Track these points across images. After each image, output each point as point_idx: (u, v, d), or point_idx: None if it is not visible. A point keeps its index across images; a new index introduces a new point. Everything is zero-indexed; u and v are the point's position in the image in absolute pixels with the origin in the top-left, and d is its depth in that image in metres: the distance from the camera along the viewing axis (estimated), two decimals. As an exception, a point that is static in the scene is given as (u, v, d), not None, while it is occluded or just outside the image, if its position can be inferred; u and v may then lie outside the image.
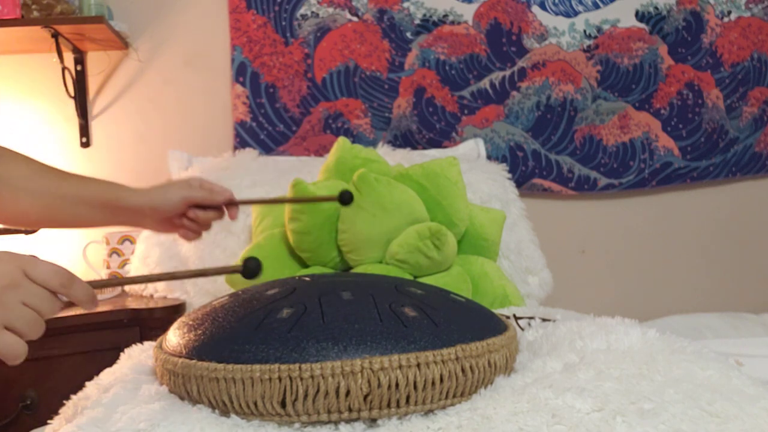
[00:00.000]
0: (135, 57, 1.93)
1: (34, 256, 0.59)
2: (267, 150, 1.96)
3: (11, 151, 0.94)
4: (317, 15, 1.98)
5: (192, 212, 0.99)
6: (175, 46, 1.96)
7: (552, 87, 2.09)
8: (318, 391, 0.62)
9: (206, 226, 1.03)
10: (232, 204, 1.03)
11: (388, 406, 0.63)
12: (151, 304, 1.52)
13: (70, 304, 0.62)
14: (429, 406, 0.64)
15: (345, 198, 1.03)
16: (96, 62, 1.91)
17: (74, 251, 1.79)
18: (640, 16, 2.13)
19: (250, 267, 0.68)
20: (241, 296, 0.78)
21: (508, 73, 2.07)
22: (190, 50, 1.96)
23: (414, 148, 1.97)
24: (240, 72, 1.95)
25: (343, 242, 1.35)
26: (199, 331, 0.71)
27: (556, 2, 2.09)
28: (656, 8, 2.14)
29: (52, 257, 1.76)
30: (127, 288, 1.69)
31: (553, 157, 2.10)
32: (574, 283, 2.07)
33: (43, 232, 1.69)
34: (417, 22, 2.02)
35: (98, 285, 0.65)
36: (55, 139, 1.89)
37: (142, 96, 1.94)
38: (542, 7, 2.08)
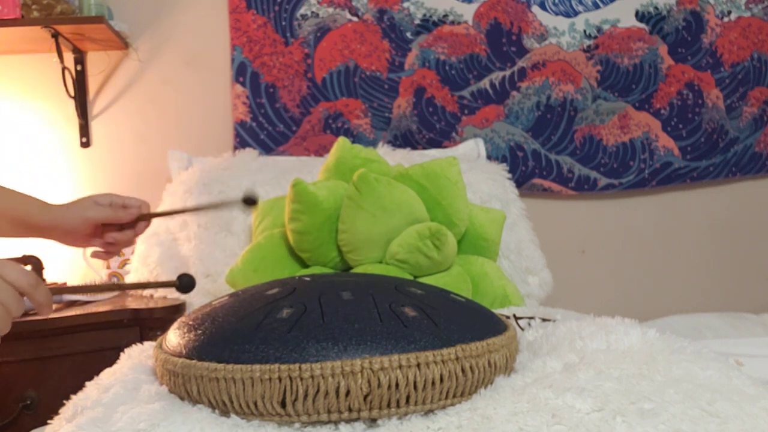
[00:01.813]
0: (135, 57, 1.93)
1: (5, 260, 0.62)
2: (267, 150, 1.96)
3: None
4: (317, 15, 1.98)
5: (106, 233, 0.96)
6: (175, 46, 1.96)
7: (552, 87, 2.09)
8: (318, 391, 0.62)
9: (121, 245, 0.99)
10: (141, 219, 0.98)
11: (388, 406, 0.63)
12: (151, 304, 1.52)
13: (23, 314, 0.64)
14: (429, 406, 0.64)
15: (249, 200, 0.96)
16: (96, 62, 1.91)
17: (75, 251, 1.79)
18: (640, 16, 2.13)
19: (185, 282, 0.72)
20: (241, 296, 0.78)
21: (508, 73, 2.07)
22: (190, 50, 1.96)
23: (414, 148, 1.97)
24: (240, 72, 1.95)
25: (343, 242, 1.35)
26: (199, 331, 0.71)
27: (556, 2, 2.09)
28: (656, 8, 2.14)
29: (53, 257, 1.76)
30: (127, 288, 1.69)
31: (553, 157, 2.10)
32: (574, 283, 2.07)
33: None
34: (417, 22, 2.02)
35: (56, 291, 0.69)
36: (55, 139, 1.89)
37: (142, 96, 1.94)
38: (542, 7, 2.08)
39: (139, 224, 0.98)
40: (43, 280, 0.69)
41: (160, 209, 1.72)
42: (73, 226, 0.94)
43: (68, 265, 1.84)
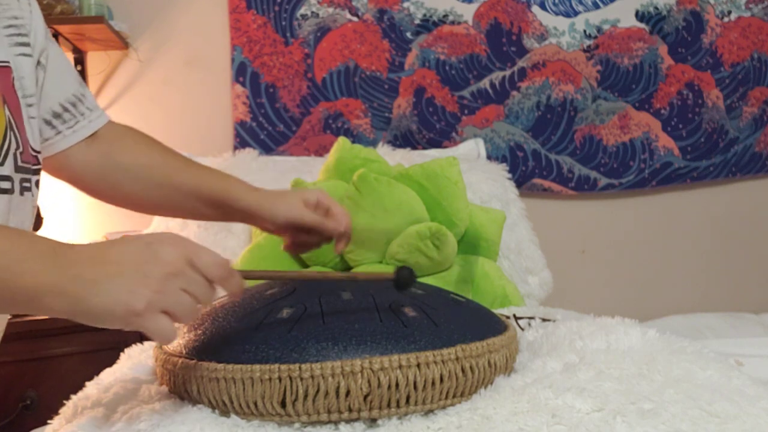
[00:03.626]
0: (135, 57, 1.93)
1: (199, 246, 0.60)
2: (267, 150, 1.96)
3: (136, 134, 0.94)
4: (317, 15, 1.98)
5: (295, 233, 0.91)
6: (175, 46, 1.96)
7: (552, 87, 2.09)
8: (318, 391, 0.62)
9: (306, 247, 0.94)
10: (343, 237, 0.91)
11: (388, 406, 0.63)
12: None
13: None
14: (429, 406, 0.64)
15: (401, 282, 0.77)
16: (96, 62, 1.91)
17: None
18: (640, 16, 2.14)
19: (403, 277, 0.67)
20: (241, 296, 0.78)
21: (508, 73, 2.07)
22: (190, 50, 1.96)
23: (414, 148, 1.97)
24: (240, 72, 1.95)
25: (343, 242, 1.35)
26: (199, 331, 0.71)
27: (556, 2, 2.09)
28: (656, 8, 2.14)
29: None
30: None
31: (553, 157, 2.10)
32: (574, 283, 2.07)
33: (51, 229, 1.69)
34: (417, 22, 2.02)
35: (251, 277, 0.66)
36: (55, 139, 1.89)
37: (142, 96, 1.94)
38: (542, 7, 2.08)
39: (341, 241, 0.92)
40: None
41: None
42: (274, 221, 0.89)
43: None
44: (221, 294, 0.64)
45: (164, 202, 0.93)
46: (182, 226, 1.64)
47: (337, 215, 0.90)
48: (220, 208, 0.91)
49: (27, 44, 0.79)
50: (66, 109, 0.87)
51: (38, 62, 0.82)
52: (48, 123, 0.85)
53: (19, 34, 0.79)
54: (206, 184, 0.91)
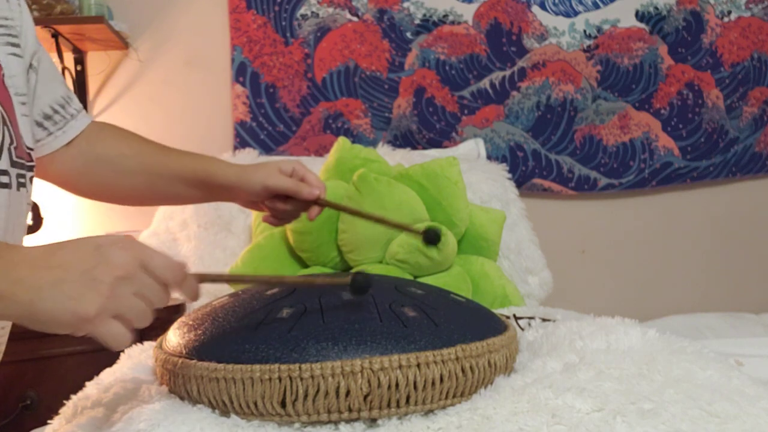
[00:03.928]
0: (135, 57, 1.93)
1: (151, 249, 0.59)
2: (267, 150, 1.96)
3: (113, 127, 0.95)
4: (317, 15, 1.98)
5: (271, 201, 0.93)
6: (175, 46, 1.96)
7: (552, 87, 2.09)
8: (318, 391, 0.62)
9: (285, 217, 0.96)
10: (317, 204, 0.92)
11: (388, 406, 0.63)
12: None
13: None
14: (429, 406, 0.64)
15: (430, 237, 0.89)
16: (96, 62, 1.91)
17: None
18: (640, 16, 2.13)
19: (358, 282, 0.68)
20: (241, 296, 0.78)
21: (508, 73, 2.07)
22: (190, 50, 1.96)
23: (414, 148, 1.97)
24: (240, 72, 1.95)
25: (343, 242, 1.35)
26: (199, 331, 0.71)
27: (556, 2, 2.09)
28: (656, 8, 2.14)
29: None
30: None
31: (553, 157, 2.10)
32: (574, 283, 2.07)
33: (51, 230, 1.69)
34: (417, 22, 2.02)
35: (206, 280, 0.65)
36: (55, 139, 1.89)
37: (142, 96, 1.94)
38: (542, 7, 2.08)
39: (313, 207, 0.93)
40: None
41: (160, 209, 1.72)
42: (253, 190, 0.90)
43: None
44: (176, 297, 0.64)
45: (148, 191, 0.93)
46: (182, 226, 1.64)
47: (311, 182, 0.91)
48: (203, 187, 0.92)
49: (17, 45, 0.80)
50: (56, 111, 0.88)
51: (30, 65, 0.83)
52: (39, 125, 0.86)
53: (8, 35, 0.79)
54: (187, 165, 0.92)
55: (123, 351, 0.64)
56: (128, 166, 0.92)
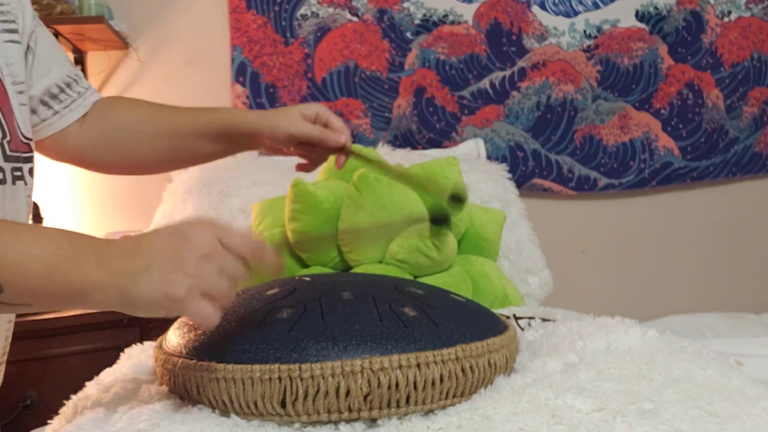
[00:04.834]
0: (135, 57, 1.93)
1: (227, 224, 0.61)
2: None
3: (125, 98, 0.96)
4: (317, 15, 1.98)
5: (297, 147, 0.91)
6: (175, 46, 1.96)
7: (552, 87, 2.09)
8: (318, 391, 0.62)
9: (313, 163, 0.94)
10: (342, 152, 0.90)
11: (388, 406, 0.63)
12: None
13: None
14: (429, 406, 0.64)
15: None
16: (96, 62, 1.91)
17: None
18: (640, 16, 2.13)
19: (441, 215, 0.68)
20: (241, 296, 0.78)
21: (508, 73, 2.07)
22: (190, 50, 1.96)
23: (414, 148, 1.97)
24: (240, 72, 1.95)
25: (343, 242, 1.35)
26: (199, 331, 0.71)
27: (556, 2, 2.09)
28: (656, 8, 2.14)
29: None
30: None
31: (553, 157, 2.10)
32: (574, 283, 2.07)
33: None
34: (417, 22, 2.02)
35: (281, 251, 0.67)
36: (55, 139, 1.89)
37: (143, 96, 1.90)
38: (542, 7, 2.08)
39: (340, 156, 0.91)
40: None
41: (160, 210, 1.72)
42: (277, 137, 0.89)
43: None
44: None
45: (170, 152, 0.93)
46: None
47: (336, 126, 0.90)
48: (225, 139, 0.91)
49: (15, 31, 0.79)
50: (62, 90, 0.88)
51: (28, 46, 0.82)
52: (45, 104, 0.86)
53: (5, 21, 0.78)
54: (206, 119, 0.91)
55: (212, 326, 0.61)
56: (146, 131, 0.91)
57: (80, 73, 0.92)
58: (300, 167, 0.96)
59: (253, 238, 0.62)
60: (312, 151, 0.93)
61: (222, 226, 0.61)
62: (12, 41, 0.78)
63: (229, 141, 0.92)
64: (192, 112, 0.93)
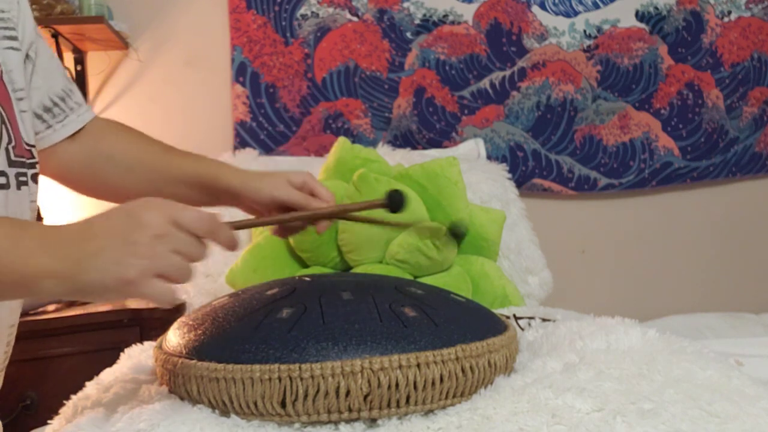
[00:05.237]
0: (135, 57, 1.93)
1: (181, 204, 0.61)
2: (267, 150, 1.96)
3: (119, 125, 0.95)
4: (317, 15, 1.98)
5: (277, 212, 0.88)
6: (175, 46, 1.96)
7: (552, 87, 2.09)
8: (318, 391, 0.62)
9: (292, 230, 0.91)
10: (326, 218, 0.87)
11: (388, 406, 0.63)
12: (152, 304, 1.52)
13: None
14: (429, 406, 0.64)
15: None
16: (96, 62, 1.91)
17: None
18: (640, 16, 2.13)
19: (395, 200, 0.70)
20: (241, 296, 0.78)
21: (508, 73, 2.07)
22: (190, 50, 1.96)
23: (414, 148, 1.97)
24: (240, 72, 1.95)
25: (343, 242, 1.36)
26: (199, 331, 0.71)
27: (556, 2, 2.09)
28: (656, 8, 2.14)
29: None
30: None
31: (553, 157, 2.10)
32: (574, 283, 2.07)
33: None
34: (417, 22, 2.02)
35: (240, 226, 0.68)
36: (55, 139, 1.89)
37: (142, 96, 1.94)
38: (542, 7, 2.08)
39: (322, 222, 0.88)
40: None
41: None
42: (260, 200, 0.87)
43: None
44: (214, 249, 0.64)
45: (151, 190, 0.91)
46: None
47: (322, 196, 0.88)
48: (207, 190, 0.90)
49: (15, 38, 0.79)
50: (56, 104, 0.87)
51: (27, 56, 0.82)
52: (39, 117, 0.86)
53: (6, 28, 0.78)
54: (192, 168, 0.91)
55: (169, 306, 0.60)
56: (131, 165, 0.91)
57: (74, 87, 0.91)
58: (275, 232, 0.93)
59: (206, 214, 0.61)
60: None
61: (175, 205, 0.61)
62: (12, 48, 0.78)
63: (208, 193, 0.90)
64: (180, 155, 0.92)
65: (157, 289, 0.58)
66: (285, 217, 0.81)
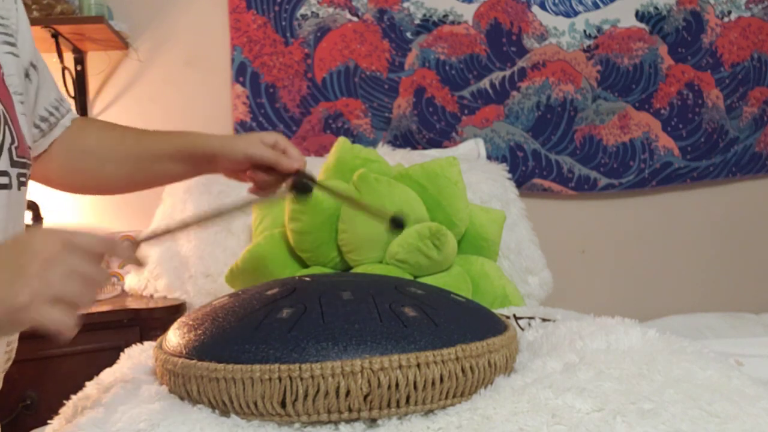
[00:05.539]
0: (135, 57, 1.93)
1: (75, 229, 0.60)
2: (267, 150, 1.95)
3: (93, 120, 0.97)
4: (317, 15, 1.98)
5: (252, 171, 0.91)
6: (175, 46, 1.96)
7: (552, 87, 2.09)
8: (318, 391, 0.62)
9: (266, 187, 0.93)
10: (297, 176, 0.90)
11: (388, 406, 0.63)
12: (151, 304, 1.52)
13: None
14: (429, 406, 0.64)
15: (397, 223, 0.88)
16: (96, 62, 1.91)
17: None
18: (640, 16, 2.13)
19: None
20: (241, 296, 0.78)
21: (508, 73, 2.07)
22: (190, 50, 1.96)
23: (414, 148, 1.97)
24: (240, 72, 1.95)
25: (343, 242, 1.35)
26: (199, 331, 0.71)
27: (556, 2, 2.09)
28: (656, 8, 2.14)
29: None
30: (127, 287, 1.69)
31: (553, 157, 2.10)
32: (574, 283, 2.07)
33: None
34: (417, 22, 2.02)
35: (141, 240, 0.67)
36: (55, 139, 1.89)
37: (143, 96, 1.94)
38: (542, 7, 2.08)
39: (290, 179, 0.91)
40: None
41: (160, 210, 1.72)
42: (235, 158, 0.89)
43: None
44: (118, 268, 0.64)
45: (135, 175, 0.94)
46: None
47: (292, 155, 0.91)
48: (187, 160, 0.92)
49: (13, 44, 0.80)
50: (51, 113, 0.90)
51: (32, 65, 0.84)
52: (36, 126, 0.87)
53: (5, 33, 0.79)
54: (169, 142, 0.93)
55: (70, 334, 0.59)
56: (110, 154, 0.93)
57: (62, 95, 0.94)
58: (251, 190, 0.95)
59: (101, 235, 0.60)
60: (267, 175, 0.92)
61: (65, 229, 0.59)
62: (11, 54, 0.79)
63: (190, 163, 0.93)
64: (157, 134, 0.94)
65: (53, 314, 0.56)
66: (194, 221, 0.82)
